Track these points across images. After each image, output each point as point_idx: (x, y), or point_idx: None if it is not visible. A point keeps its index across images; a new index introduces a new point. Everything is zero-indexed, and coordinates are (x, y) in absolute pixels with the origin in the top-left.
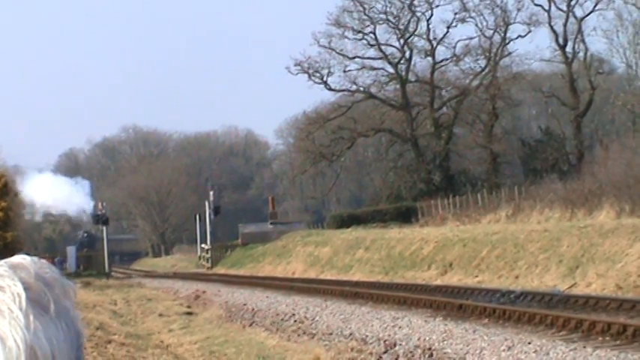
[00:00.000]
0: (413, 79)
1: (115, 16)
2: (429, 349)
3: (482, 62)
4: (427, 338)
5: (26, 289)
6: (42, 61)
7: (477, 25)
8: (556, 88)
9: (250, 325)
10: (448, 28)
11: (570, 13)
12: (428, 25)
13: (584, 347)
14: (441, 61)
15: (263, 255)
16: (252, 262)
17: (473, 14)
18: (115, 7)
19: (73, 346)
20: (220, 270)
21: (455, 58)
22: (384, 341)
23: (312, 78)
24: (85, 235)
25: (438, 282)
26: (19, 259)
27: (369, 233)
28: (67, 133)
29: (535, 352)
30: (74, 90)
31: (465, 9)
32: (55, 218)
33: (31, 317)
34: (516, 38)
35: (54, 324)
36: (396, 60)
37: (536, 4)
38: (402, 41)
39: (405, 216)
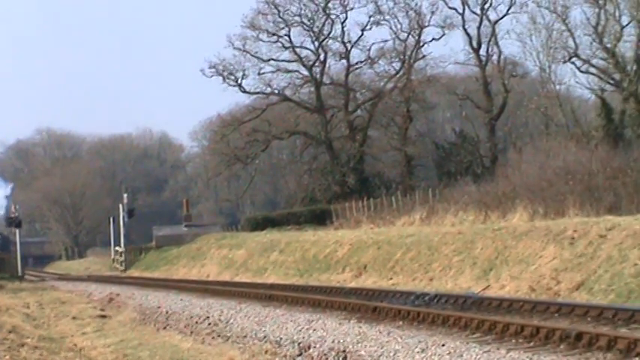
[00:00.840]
0: (327, 82)
1: (28, 17)
2: (343, 351)
3: (397, 65)
4: (341, 340)
5: None
6: None
7: (391, 28)
8: (470, 91)
9: (164, 327)
10: (363, 30)
11: (484, 17)
12: (342, 27)
13: (498, 349)
14: (356, 63)
15: (177, 258)
16: (167, 264)
17: (387, 17)
18: (28, 8)
19: None
20: (134, 273)
21: (369, 61)
22: (299, 344)
23: (227, 80)
24: None
25: (353, 284)
26: None
27: (284, 236)
28: None
29: (449, 353)
30: None
31: (379, 12)
32: None
33: None
34: (431, 41)
35: None
36: (311, 62)
37: (451, 7)
38: (316, 44)
39: (320, 218)
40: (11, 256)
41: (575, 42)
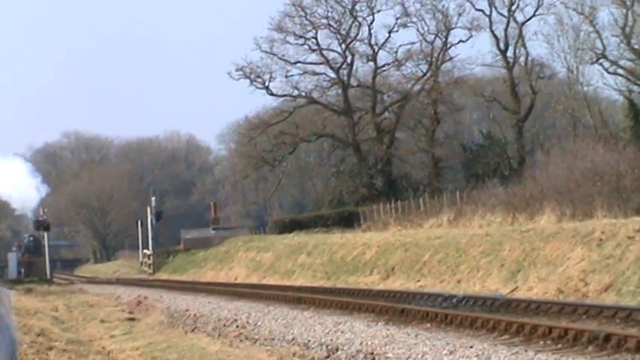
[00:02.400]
0: (355, 84)
1: (55, 21)
2: (371, 353)
3: (424, 67)
4: (369, 343)
5: None
6: None
7: (418, 30)
8: (497, 93)
9: (192, 330)
10: (390, 32)
11: (511, 18)
12: (369, 30)
13: (526, 351)
14: (383, 66)
15: (205, 260)
16: (195, 267)
17: (414, 19)
18: (55, 12)
19: (8, 352)
20: (162, 276)
21: (396, 63)
22: (327, 346)
23: (254, 83)
24: (32, 239)
25: (381, 287)
26: None
27: (312, 238)
28: (8, 139)
29: (477, 356)
30: (14, 95)
31: (406, 14)
32: None
33: None
34: (458, 43)
35: None
36: (338, 65)
37: (478, 9)
38: (343, 46)
39: (348, 221)
40: (40, 260)
41: (602, 43)
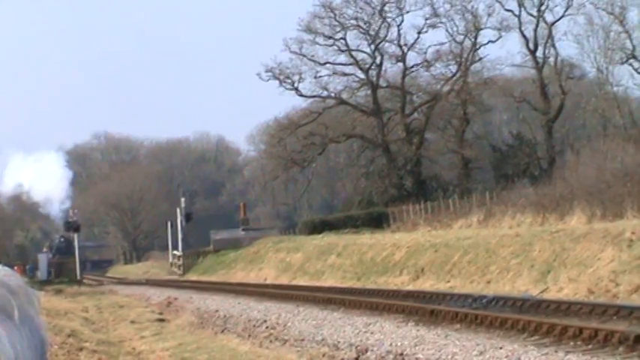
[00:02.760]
0: (384, 85)
1: (87, 23)
2: (401, 354)
3: (453, 67)
4: (399, 344)
5: None
6: (11, 67)
7: (447, 30)
8: (527, 93)
9: (222, 331)
10: (419, 33)
11: (541, 18)
12: (399, 30)
13: (556, 352)
14: (412, 66)
15: (235, 261)
16: (224, 268)
17: (443, 20)
18: (87, 14)
19: (37, 352)
20: (192, 276)
21: (426, 64)
22: (356, 347)
23: (283, 84)
24: (62, 240)
25: (410, 287)
26: None
27: (341, 239)
28: (38, 141)
29: (507, 356)
30: (45, 96)
31: (435, 14)
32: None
33: None
34: (487, 43)
35: (18, 330)
36: (367, 66)
37: (507, 10)
38: (372, 47)
39: (377, 221)
40: (70, 261)
41: (632, 43)
